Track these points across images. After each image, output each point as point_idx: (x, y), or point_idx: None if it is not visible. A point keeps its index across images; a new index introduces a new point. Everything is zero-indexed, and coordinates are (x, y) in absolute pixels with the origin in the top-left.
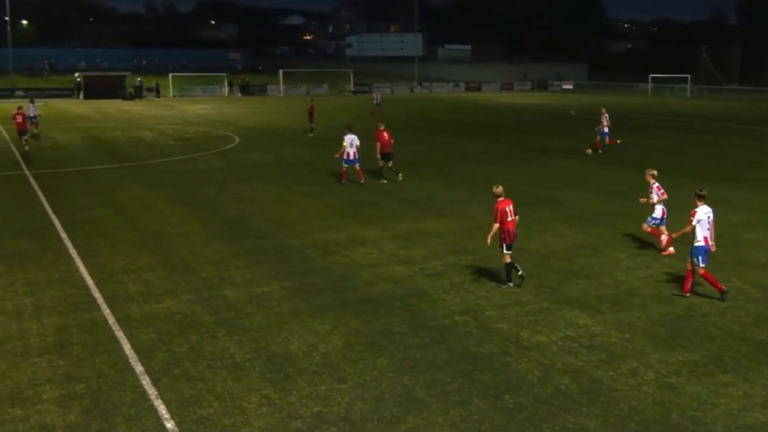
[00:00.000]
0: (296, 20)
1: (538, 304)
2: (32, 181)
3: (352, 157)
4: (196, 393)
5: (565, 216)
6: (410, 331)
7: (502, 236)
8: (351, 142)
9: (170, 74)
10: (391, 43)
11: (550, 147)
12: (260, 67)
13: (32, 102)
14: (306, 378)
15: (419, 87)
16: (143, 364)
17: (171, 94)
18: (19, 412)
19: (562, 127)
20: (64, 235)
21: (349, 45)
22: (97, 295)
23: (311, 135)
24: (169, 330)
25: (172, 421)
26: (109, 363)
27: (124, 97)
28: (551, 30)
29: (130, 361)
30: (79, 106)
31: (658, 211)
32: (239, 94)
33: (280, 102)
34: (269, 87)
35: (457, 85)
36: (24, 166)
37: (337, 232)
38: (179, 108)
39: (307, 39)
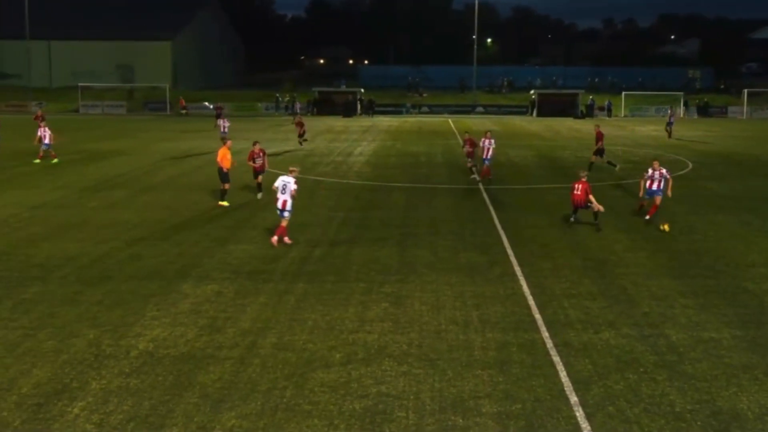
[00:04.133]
0: None
1: None
2: (485, 195)
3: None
4: None
5: None
6: None
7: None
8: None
9: (623, 93)
10: None
11: None
12: (722, 86)
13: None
14: None
15: None
16: (578, 395)
17: (622, 113)
18: (461, 421)
19: None
20: (510, 251)
21: None
22: (538, 316)
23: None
24: (606, 363)
25: None
26: (545, 387)
27: (576, 116)
28: None
29: (566, 389)
30: (532, 124)
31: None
32: (695, 116)
33: (742, 125)
34: (730, 108)
35: None
36: (479, 180)
37: None
38: (630, 128)
39: None
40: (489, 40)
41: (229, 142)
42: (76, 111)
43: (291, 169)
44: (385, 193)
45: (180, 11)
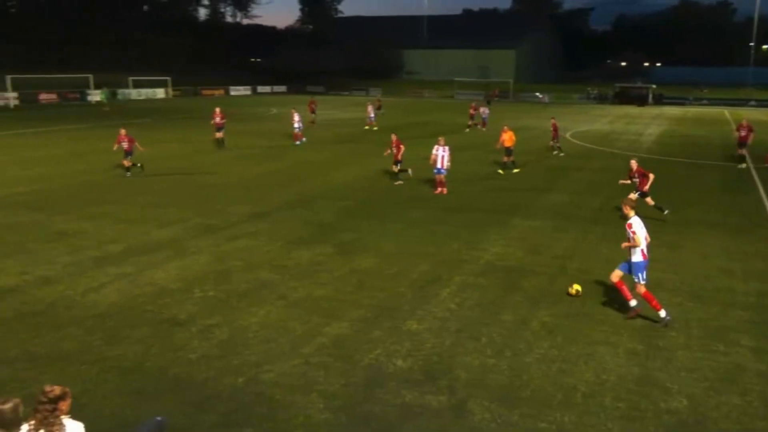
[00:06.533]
0: None
1: None
2: (754, 173)
3: None
4: None
5: None
6: None
7: None
8: None
9: None
10: None
11: None
12: None
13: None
14: None
15: None
16: None
17: None
18: (722, 347)
19: None
20: None
21: None
22: None
23: None
24: None
25: None
26: None
27: None
28: None
29: None
30: None
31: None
32: None
33: None
34: None
35: None
36: (748, 159)
37: None
38: None
39: None
40: (765, 46)
41: (505, 127)
42: (452, 97)
43: (439, 139)
44: (668, 166)
45: (522, 27)
